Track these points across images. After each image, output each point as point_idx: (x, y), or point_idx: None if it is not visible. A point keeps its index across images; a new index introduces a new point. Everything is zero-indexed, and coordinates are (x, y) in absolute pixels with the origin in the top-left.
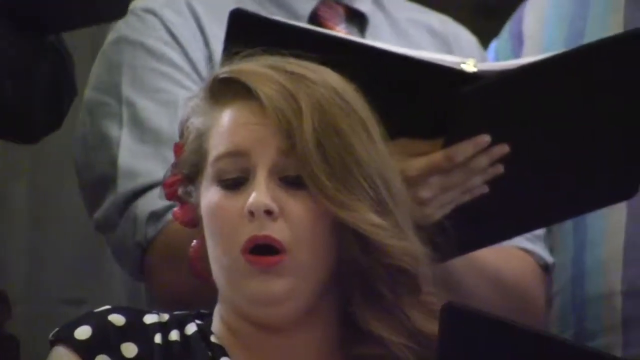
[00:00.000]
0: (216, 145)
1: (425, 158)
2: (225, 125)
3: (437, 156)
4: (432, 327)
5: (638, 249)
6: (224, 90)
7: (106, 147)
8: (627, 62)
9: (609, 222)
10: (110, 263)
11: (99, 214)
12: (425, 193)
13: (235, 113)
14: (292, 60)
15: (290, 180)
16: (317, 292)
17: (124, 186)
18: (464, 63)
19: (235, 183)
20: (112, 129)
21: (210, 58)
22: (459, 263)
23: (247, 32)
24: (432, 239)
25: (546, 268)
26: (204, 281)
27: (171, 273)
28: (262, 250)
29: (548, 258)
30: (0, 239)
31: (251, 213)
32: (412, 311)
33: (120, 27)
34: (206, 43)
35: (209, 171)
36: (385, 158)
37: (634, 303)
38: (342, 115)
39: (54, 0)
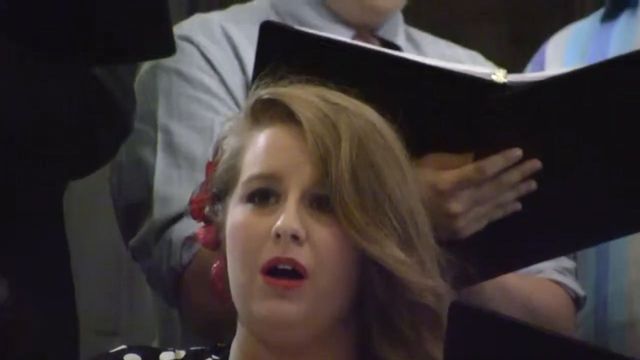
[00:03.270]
0: (250, 166)
1: (457, 171)
2: (262, 146)
3: (468, 169)
4: None
5: None
6: (264, 111)
7: (141, 174)
8: None
9: (632, 252)
10: (142, 294)
11: (134, 240)
12: (456, 206)
13: (274, 135)
14: (335, 92)
15: (321, 206)
16: (333, 319)
17: (160, 212)
18: (494, 74)
19: (264, 200)
20: (148, 156)
21: (247, 84)
22: (490, 290)
23: (278, 45)
24: (463, 261)
25: (577, 301)
26: (225, 302)
27: (206, 297)
28: (282, 274)
29: (579, 291)
30: None
31: (277, 235)
32: (432, 347)
33: None
34: (243, 69)
35: (239, 190)
36: (416, 199)
37: None
38: (379, 150)
39: (100, 34)
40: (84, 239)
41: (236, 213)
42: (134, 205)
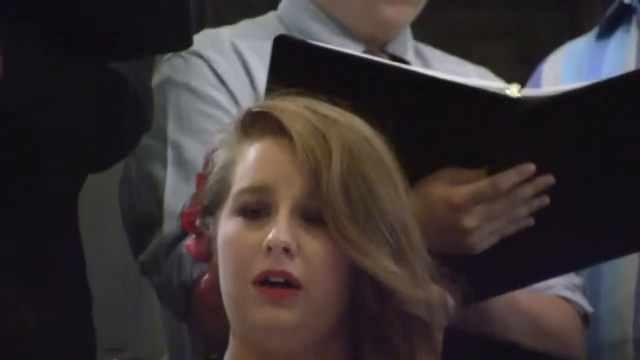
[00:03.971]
0: (241, 178)
1: (470, 185)
2: (252, 159)
3: (482, 184)
4: None
5: None
6: (255, 124)
7: (151, 189)
8: None
9: (622, 270)
10: (150, 310)
11: (144, 256)
12: (470, 221)
13: (264, 148)
14: (326, 104)
15: (312, 219)
16: (327, 329)
17: (170, 227)
18: (507, 89)
19: (255, 214)
20: (157, 170)
21: (256, 100)
22: (500, 306)
23: (292, 59)
24: (469, 277)
25: (585, 317)
26: (215, 315)
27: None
28: (274, 286)
29: (588, 308)
30: None
31: (269, 249)
32: (424, 359)
33: (166, 70)
34: (252, 84)
35: (230, 203)
36: (408, 212)
37: None
38: (370, 162)
39: (112, 25)
40: (90, 253)
41: (227, 227)
42: (144, 221)
